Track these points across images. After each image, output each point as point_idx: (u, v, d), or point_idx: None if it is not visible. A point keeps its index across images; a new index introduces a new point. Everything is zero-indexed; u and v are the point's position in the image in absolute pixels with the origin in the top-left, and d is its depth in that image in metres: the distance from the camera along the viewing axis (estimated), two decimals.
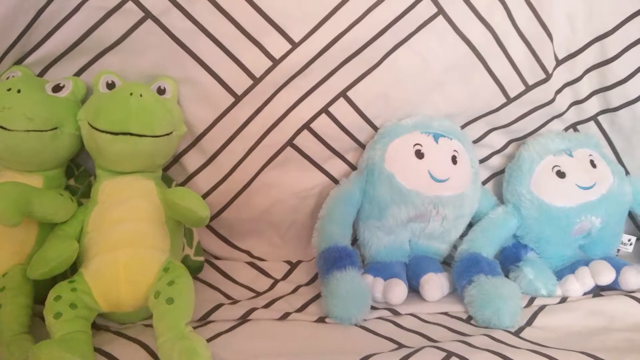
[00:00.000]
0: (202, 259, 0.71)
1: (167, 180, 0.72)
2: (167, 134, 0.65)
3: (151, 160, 0.66)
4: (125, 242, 0.59)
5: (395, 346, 0.58)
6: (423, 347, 0.56)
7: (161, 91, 0.68)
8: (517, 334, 0.62)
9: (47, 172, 0.65)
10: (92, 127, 0.63)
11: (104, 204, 0.63)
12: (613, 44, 0.77)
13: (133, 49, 0.68)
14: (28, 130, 0.61)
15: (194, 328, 0.59)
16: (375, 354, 0.55)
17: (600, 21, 0.77)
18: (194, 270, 0.70)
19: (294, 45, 0.70)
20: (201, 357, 0.51)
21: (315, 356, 0.56)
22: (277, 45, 0.70)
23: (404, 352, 0.56)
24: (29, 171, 0.64)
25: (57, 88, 0.65)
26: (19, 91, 0.62)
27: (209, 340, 0.57)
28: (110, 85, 0.66)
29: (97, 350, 0.54)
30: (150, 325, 0.56)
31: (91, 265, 0.58)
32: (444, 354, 0.55)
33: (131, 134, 0.62)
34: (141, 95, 0.64)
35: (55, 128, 0.63)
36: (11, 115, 0.61)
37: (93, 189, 0.65)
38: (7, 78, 0.66)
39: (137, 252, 0.59)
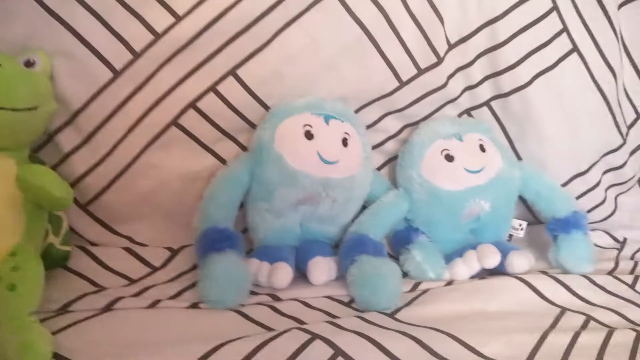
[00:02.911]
0: (68, 248, 0.66)
1: (36, 162, 0.66)
2: (31, 109, 0.60)
3: (12, 137, 0.61)
4: None
5: (264, 330, 0.56)
6: (288, 330, 0.54)
7: (30, 64, 0.63)
8: (392, 315, 0.61)
9: None
10: None
11: None
12: (503, 29, 0.78)
13: (2, 17, 0.63)
14: None
15: (48, 318, 0.55)
16: (236, 339, 0.52)
17: (491, 5, 0.77)
18: (59, 260, 0.65)
19: (178, 18, 0.67)
20: (38, 354, 0.47)
21: (171, 343, 0.53)
22: (159, 18, 0.66)
23: (267, 335, 0.53)
24: None
25: None
26: None
27: (62, 329, 0.53)
28: None
29: None
30: None
31: None
32: (308, 336, 0.53)
33: None
34: (1, 65, 0.59)
35: None
36: None
37: None
38: None
39: None
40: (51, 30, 0.65)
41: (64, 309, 0.58)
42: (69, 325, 0.54)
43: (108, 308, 0.58)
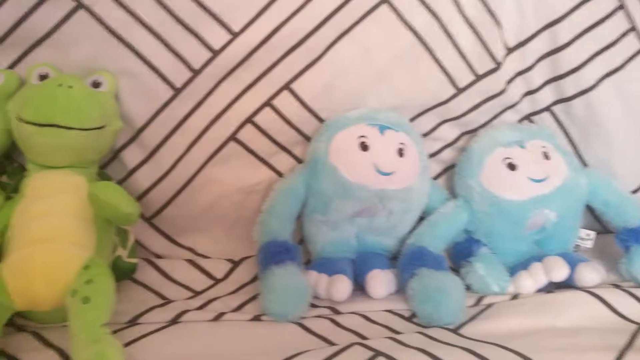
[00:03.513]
0: (135, 260, 0.68)
1: (105, 178, 0.69)
2: (98, 128, 0.63)
3: (82, 155, 0.64)
4: (45, 237, 0.57)
5: (324, 344, 0.56)
6: (350, 346, 0.54)
7: (96, 85, 0.66)
8: (456, 330, 0.59)
9: None
10: (20, 119, 0.61)
11: (30, 197, 0.61)
12: (564, 31, 0.75)
13: (66, 40, 0.66)
14: None
15: (119, 330, 0.57)
16: (298, 354, 0.52)
17: (550, 7, 0.75)
18: (126, 272, 0.68)
19: (234, 35, 0.68)
20: None
21: (235, 356, 0.53)
22: (216, 36, 0.68)
23: (329, 351, 0.53)
24: None
25: None
26: None
27: (131, 342, 0.55)
28: (44, 77, 0.64)
29: (8, 356, 0.52)
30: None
31: (9, 260, 0.56)
32: (371, 353, 0.52)
33: (57, 126, 0.60)
34: (70, 87, 0.62)
35: None
36: None
37: (22, 183, 0.63)
38: None
39: (56, 248, 0.57)
40: (114, 51, 0.67)
41: (133, 322, 0.60)
42: (138, 338, 0.56)
43: (175, 321, 0.60)
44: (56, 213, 0.59)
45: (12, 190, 0.65)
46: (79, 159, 0.64)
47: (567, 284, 0.69)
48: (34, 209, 0.59)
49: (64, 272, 0.55)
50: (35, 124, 0.60)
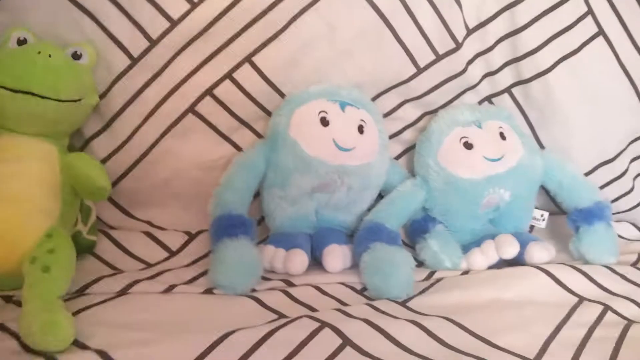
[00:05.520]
0: (95, 238, 0.68)
1: (71, 150, 0.67)
2: (74, 101, 0.62)
3: (54, 126, 0.63)
4: (9, 198, 0.56)
5: (276, 317, 0.56)
6: (298, 318, 0.54)
7: (77, 56, 0.64)
8: (404, 303, 0.60)
9: None
10: None
11: None
12: (523, 13, 0.76)
13: (22, 4, 0.64)
14: None
15: (67, 300, 0.56)
16: (241, 329, 0.52)
17: None
18: (85, 249, 0.67)
19: (193, 5, 0.67)
20: (61, 334, 0.48)
21: (185, 328, 0.53)
22: (175, 5, 0.67)
23: (276, 323, 0.53)
24: None
25: None
26: None
27: (79, 311, 0.54)
28: (22, 42, 0.62)
29: None
30: (13, 302, 0.53)
31: None
32: (317, 324, 0.53)
33: (33, 94, 0.59)
34: (50, 56, 0.61)
35: None
36: None
37: None
38: None
39: (18, 210, 0.56)
40: (72, 18, 0.66)
41: (81, 292, 0.59)
42: (86, 308, 0.55)
43: (123, 292, 0.59)
44: (22, 177, 0.58)
45: None
46: (51, 129, 0.62)
47: (518, 262, 0.71)
48: (0, 169, 0.58)
49: (24, 236, 0.55)
50: (9, 89, 0.59)
